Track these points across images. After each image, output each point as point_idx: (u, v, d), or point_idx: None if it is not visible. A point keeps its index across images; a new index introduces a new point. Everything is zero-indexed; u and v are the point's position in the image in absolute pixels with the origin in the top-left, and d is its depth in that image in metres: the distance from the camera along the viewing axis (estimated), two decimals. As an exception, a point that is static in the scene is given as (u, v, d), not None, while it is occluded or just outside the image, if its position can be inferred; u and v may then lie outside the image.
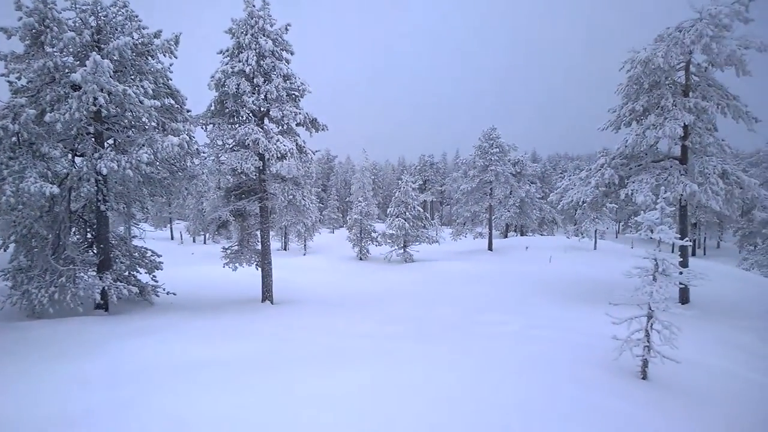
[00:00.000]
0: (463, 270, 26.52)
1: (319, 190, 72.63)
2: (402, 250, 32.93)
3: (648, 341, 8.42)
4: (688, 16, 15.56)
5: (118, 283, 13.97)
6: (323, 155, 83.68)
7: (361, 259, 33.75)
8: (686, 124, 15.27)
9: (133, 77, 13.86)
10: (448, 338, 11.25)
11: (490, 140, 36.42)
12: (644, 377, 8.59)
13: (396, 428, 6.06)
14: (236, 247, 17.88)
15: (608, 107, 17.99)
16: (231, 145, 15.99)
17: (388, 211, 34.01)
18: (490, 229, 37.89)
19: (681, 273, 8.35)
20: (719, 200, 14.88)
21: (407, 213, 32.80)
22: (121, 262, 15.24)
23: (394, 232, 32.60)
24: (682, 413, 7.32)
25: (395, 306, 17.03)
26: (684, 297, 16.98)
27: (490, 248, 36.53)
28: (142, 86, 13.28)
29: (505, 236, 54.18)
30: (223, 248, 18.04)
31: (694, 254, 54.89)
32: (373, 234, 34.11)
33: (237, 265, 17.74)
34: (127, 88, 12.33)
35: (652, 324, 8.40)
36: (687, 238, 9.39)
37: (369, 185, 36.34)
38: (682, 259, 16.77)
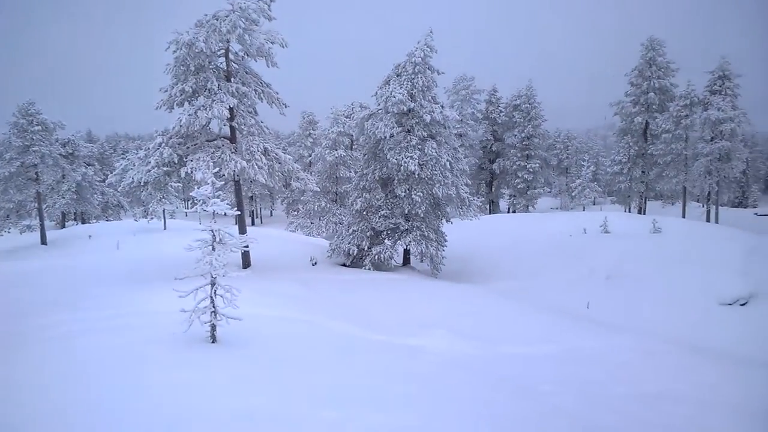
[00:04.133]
0: (6, 272, 21.93)
1: None
2: None
3: (213, 307, 9.12)
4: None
5: None
6: None
7: None
8: (231, 106, 16.91)
9: None
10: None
11: (28, 116, 30.80)
12: (214, 341, 9.31)
13: None
14: None
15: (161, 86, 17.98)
16: None
17: None
18: (42, 221, 32.54)
19: (236, 240, 9.34)
20: (264, 174, 17.29)
21: None
22: None
23: None
24: (244, 362, 8.35)
25: None
26: (246, 261, 19.09)
27: (43, 242, 31.46)
28: None
29: (63, 226, 47.68)
30: None
31: (253, 223, 62.07)
32: None
33: None
34: None
35: (215, 290, 9.11)
36: (236, 209, 10.48)
37: None
38: (239, 228, 18.81)
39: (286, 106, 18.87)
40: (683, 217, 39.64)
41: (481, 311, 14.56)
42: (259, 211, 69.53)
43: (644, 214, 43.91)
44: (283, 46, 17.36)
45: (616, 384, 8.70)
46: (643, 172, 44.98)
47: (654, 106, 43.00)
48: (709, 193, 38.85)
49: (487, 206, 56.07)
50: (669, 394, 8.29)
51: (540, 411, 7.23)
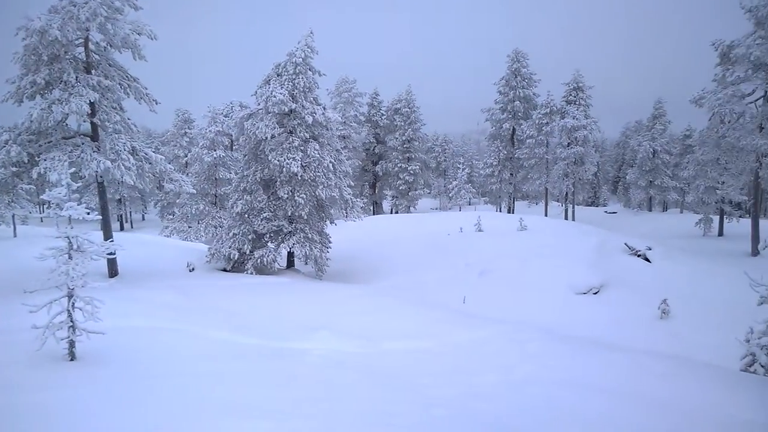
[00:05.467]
0: None
1: None
2: None
3: (71, 321, 8.28)
4: None
5: None
6: None
7: None
8: (92, 101, 15.47)
9: None
10: None
11: None
12: (73, 358, 8.45)
13: None
14: None
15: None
16: None
17: None
18: None
19: (97, 247, 8.54)
20: (132, 175, 16.04)
21: None
22: None
23: None
24: (105, 380, 7.68)
25: None
26: (113, 269, 17.59)
27: None
28: None
29: None
30: None
31: (122, 228, 57.37)
32: None
33: None
34: None
35: (73, 303, 8.28)
36: (97, 213, 9.61)
37: None
38: (104, 234, 17.26)
39: (156, 103, 17.69)
40: (545, 215, 43.61)
41: (364, 310, 14.79)
42: (129, 214, 64.40)
43: (513, 213, 47.62)
44: (151, 38, 16.26)
45: (488, 372, 9.32)
46: (511, 174, 48.74)
47: (519, 114, 46.83)
48: (566, 193, 43.11)
49: (371, 207, 57.17)
50: (533, 377, 9.06)
51: (420, 403, 7.51)
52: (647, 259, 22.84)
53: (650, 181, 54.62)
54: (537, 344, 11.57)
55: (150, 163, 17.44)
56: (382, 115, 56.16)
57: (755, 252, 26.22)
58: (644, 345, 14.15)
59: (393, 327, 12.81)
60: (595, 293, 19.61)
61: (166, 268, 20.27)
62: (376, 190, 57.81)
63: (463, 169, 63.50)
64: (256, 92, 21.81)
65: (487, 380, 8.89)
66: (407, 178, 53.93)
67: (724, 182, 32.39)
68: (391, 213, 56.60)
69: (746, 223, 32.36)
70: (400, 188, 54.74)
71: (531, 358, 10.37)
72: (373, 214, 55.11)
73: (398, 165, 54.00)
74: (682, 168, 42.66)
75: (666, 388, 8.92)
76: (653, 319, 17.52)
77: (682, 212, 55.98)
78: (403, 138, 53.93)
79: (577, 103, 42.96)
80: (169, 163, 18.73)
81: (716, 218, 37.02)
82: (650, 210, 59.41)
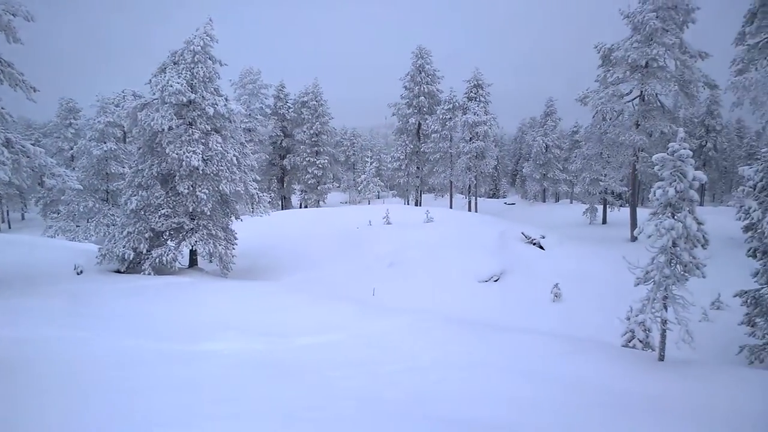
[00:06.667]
0: None
1: None
2: None
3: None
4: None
5: None
6: None
7: None
8: (-44, 86, 13.74)
9: None
10: None
11: None
12: (-63, 376, 7.50)
13: None
14: None
15: None
16: None
17: None
18: None
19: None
20: (7, 170, 14.45)
21: None
22: None
23: None
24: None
25: None
26: (-14, 276, 15.78)
27: None
28: None
29: None
30: None
31: (-1, 230, 51.76)
32: None
33: None
34: None
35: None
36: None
37: None
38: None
39: (35, 90, 16.04)
40: (451, 207, 45.24)
41: (273, 307, 14.51)
42: (5, 214, 58.15)
43: (420, 205, 48.86)
44: (28, 20, 14.71)
45: (395, 361, 9.52)
46: (417, 168, 49.93)
47: (425, 109, 48.03)
48: (470, 186, 44.94)
49: (279, 202, 56.07)
50: (437, 363, 9.40)
51: (330, 396, 7.50)
52: (541, 247, 24.45)
53: (544, 174, 58.44)
54: (441, 331, 12.00)
55: (28, 157, 15.79)
56: (289, 108, 55.14)
57: (634, 238, 28.96)
58: (540, 326, 15.19)
59: (303, 322, 12.69)
60: (496, 280, 20.68)
61: (50, 272, 18.57)
62: (285, 185, 56.73)
63: (372, 163, 64.12)
64: (150, 81, 20.51)
65: (394, 368, 9.08)
66: (316, 171, 53.46)
67: (606, 174, 35.52)
68: (300, 207, 55.87)
69: (626, 211, 35.70)
70: (309, 182, 54.16)
71: (436, 345, 10.74)
72: (282, 208, 54.06)
73: (306, 159, 53.37)
74: (571, 162, 46.09)
75: (560, 364, 9.63)
76: (547, 302, 18.82)
77: (571, 202, 60.51)
78: (311, 131, 53.35)
79: (477, 99, 44.77)
80: (52, 157, 17.10)
81: (600, 207, 40.53)
82: (544, 201, 63.68)
